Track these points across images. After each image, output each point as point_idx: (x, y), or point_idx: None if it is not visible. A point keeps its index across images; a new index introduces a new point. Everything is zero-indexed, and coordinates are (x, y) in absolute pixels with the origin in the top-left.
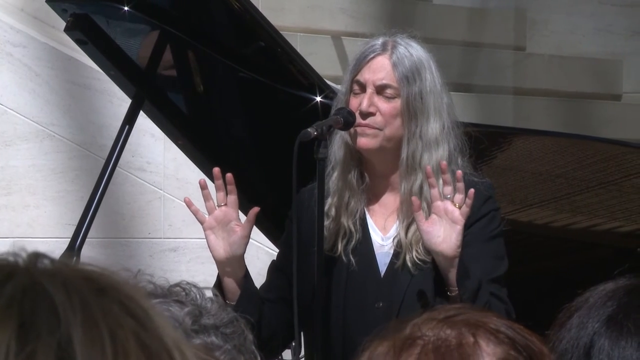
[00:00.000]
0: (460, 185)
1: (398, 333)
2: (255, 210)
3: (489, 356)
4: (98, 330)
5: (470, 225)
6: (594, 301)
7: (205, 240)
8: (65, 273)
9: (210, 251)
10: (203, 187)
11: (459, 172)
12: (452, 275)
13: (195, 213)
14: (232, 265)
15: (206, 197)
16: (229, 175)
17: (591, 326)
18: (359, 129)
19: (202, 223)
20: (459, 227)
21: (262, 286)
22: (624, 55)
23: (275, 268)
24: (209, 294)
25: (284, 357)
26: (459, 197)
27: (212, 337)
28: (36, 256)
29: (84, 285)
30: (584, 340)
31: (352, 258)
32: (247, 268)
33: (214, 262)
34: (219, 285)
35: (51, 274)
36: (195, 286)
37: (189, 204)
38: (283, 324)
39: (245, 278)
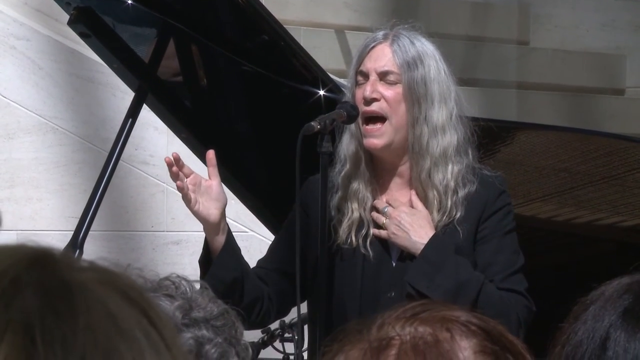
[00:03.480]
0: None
1: (365, 334)
2: (210, 152)
3: (466, 349)
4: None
5: (486, 219)
6: (609, 294)
7: None
8: (45, 275)
9: (205, 221)
10: (170, 164)
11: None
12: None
13: (185, 198)
14: (222, 221)
15: (175, 176)
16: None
17: (607, 318)
18: (366, 130)
19: (190, 201)
20: (419, 217)
21: (261, 259)
22: (628, 50)
23: (277, 244)
24: (199, 286)
25: (286, 350)
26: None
27: (203, 330)
28: (53, 254)
29: (58, 291)
30: (600, 333)
31: (368, 249)
32: (228, 225)
33: (206, 232)
34: (205, 257)
35: (35, 274)
36: (185, 279)
37: (181, 189)
38: (274, 292)
39: (229, 236)
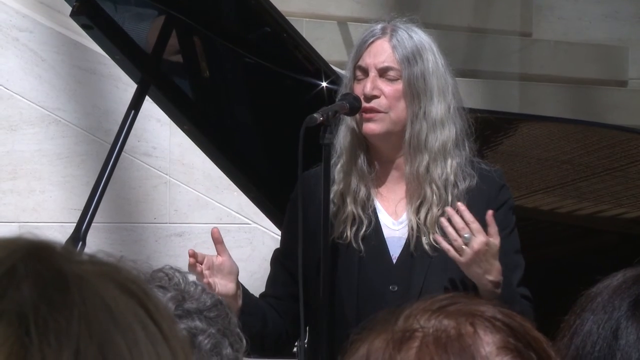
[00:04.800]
0: (467, 215)
1: (391, 325)
2: (215, 231)
3: (489, 345)
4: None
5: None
6: (617, 285)
7: (210, 225)
8: (41, 267)
9: (225, 296)
10: (194, 265)
11: (460, 205)
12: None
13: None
14: (239, 288)
15: (200, 275)
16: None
17: (617, 309)
18: (365, 115)
19: (211, 286)
20: (494, 252)
21: (268, 281)
22: (631, 42)
23: (279, 261)
24: (192, 278)
25: None
26: (475, 226)
27: (197, 321)
28: (53, 248)
29: (54, 283)
30: (610, 323)
31: (361, 244)
32: (240, 283)
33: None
34: None
35: (31, 265)
36: (178, 271)
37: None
38: (292, 321)
39: (243, 293)
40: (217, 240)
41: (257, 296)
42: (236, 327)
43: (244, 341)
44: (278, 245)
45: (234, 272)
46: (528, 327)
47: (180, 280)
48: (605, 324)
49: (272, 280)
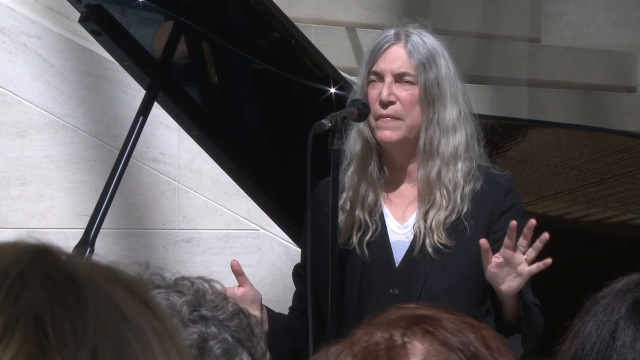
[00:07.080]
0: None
1: (349, 337)
2: (235, 264)
3: (416, 357)
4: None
5: (497, 220)
6: (619, 288)
7: (218, 231)
8: (50, 268)
9: None
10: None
11: (532, 222)
12: (508, 303)
13: None
14: (263, 314)
15: None
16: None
17: (617, 311)
18: (381, 122)
19: None
20: (521, 280)
21: (294, 295)
22: (639, 47)
23: (297, 275)
24: (218, 287)
25: None
26: (532, 252)
27: (212, 327)
28: (55, 253)
29: (65, 283)
30: (609, 325)
31: (366, 250)
32: (266, 307)
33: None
34: None
35: (39, 267)
36: (204, 280)
37: None
38: (319, 331)
39: (269, 316)
40: (238, 272)
41: (288, 309)
42: (260, 340)
43: (268, 356)
44: (286, 251)
45: (257, 300)
46: (468, 337)
47: (200, 288)
48: (604, 326)
49: (296, 295)
